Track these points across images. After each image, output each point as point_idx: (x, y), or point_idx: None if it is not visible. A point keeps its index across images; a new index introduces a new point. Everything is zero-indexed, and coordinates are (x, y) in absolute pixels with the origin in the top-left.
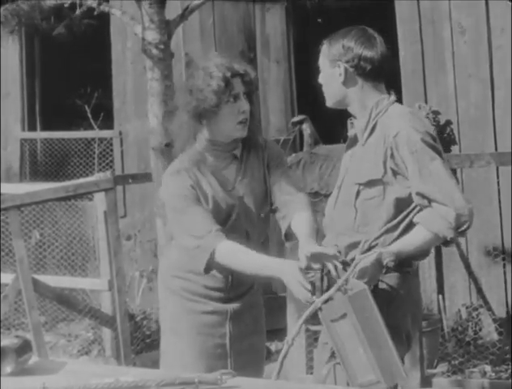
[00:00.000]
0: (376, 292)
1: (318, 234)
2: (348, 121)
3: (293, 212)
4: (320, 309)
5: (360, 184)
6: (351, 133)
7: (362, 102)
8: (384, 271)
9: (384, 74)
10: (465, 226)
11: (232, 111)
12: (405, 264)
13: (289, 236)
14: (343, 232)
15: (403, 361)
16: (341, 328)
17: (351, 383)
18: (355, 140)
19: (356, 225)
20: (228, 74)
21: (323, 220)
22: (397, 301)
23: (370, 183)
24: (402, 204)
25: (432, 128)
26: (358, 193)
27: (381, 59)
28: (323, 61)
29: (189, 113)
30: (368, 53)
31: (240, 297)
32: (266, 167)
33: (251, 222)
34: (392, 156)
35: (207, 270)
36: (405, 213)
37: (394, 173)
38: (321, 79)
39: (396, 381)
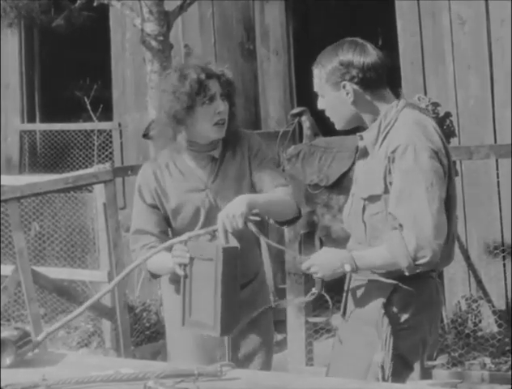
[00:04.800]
0: (396, 294)
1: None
2: (357, 135)
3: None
4: (185, 242)
5: (364, 199)
6: (361, 145)
7: (373, 115)
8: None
9: (385, 78)
10: (423, 260)
11: (207, 112)
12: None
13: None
14: (359, 242)
15: (411, 367)
16: (199, 267)
17: (182, 319)
18: (366, 152)
19: (367, 238)
20: (203, 76)
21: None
22: (416, 306)
23: (372, 198)
24: None
25: (437, 138)
26: (364, 208)
27: (381, 64)
28: (322, 87)
29: (165, 114)
30: (369, 62)
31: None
32: (248, 161)
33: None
34: (390, 171)
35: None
36: None
37: None
38: (323, 105)
39: (227, 335)
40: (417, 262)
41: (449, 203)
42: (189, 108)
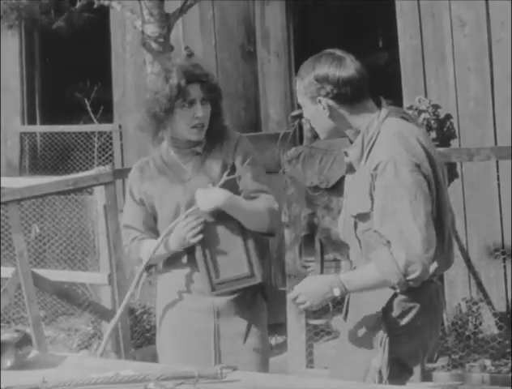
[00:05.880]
0: (396, 298)
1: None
2: (342, 152)
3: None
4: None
5: (354, 216)
6: (346, 161)
7: (354, 128)
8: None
9: (366, 90)
10: (414, 275)
11: (186, 116)
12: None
13: None
14: (356, 254)
15: (410, 371)
16: (221, 227)
17: (210, 286)
18: (352, 168)
19: (363, 253)
20: (183, 81)
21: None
22: (416, 310)
23: (361, 216)
24: None
25: (419, 150)
26: (355, 224)
27: (359, 77)
28: (303, 100)
29: (146, 113)
30: (345, 77)
31: (230, 293)
32: (233, 161)
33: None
34: (374, 187)
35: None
36: None
37: None
38: (306, 115)
39: (265, 280)
40: (408, 278)
41: (440, 210)
42: (169, 110)
